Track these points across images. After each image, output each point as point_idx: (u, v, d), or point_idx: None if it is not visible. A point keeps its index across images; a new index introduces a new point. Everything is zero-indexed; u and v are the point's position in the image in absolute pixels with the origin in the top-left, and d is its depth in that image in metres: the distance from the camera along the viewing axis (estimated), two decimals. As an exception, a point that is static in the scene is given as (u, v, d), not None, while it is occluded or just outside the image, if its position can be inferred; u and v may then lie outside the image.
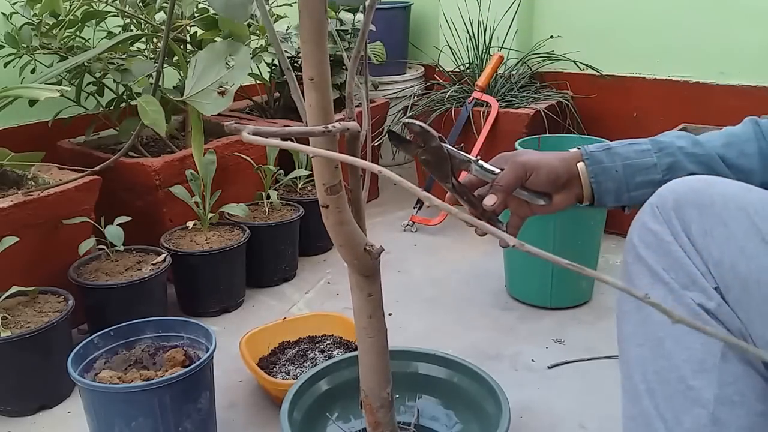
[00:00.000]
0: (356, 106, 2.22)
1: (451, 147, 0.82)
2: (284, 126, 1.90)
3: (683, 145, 0.81)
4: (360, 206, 0.77)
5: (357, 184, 0.76)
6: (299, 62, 2.03)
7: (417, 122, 0.80)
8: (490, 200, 0.81)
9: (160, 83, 1.64)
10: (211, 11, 1.61)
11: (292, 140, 1.39)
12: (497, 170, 0.82)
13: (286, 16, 1.92)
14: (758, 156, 0.80)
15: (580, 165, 0.82)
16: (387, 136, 0.80)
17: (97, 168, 1.36)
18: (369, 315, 0.79)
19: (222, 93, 0.90)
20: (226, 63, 0.91)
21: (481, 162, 0.82)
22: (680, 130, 2.15)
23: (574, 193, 0.83)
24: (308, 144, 0.66)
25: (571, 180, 0.82)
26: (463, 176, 0.85)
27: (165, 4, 1.60)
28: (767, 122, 0.82)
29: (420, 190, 0.39)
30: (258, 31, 1.74)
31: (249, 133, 0.44)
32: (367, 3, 0.67)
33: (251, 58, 1.77)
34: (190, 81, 0.93)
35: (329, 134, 0.63)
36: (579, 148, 0.84)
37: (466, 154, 0.83)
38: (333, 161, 0.68)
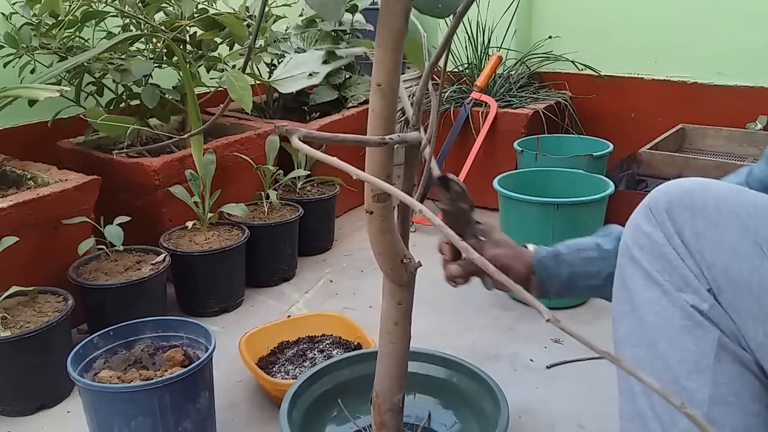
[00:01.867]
0: (351, 107, 2.20)
1: (475, 219, 0.90)
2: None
3: None
4: (407, 216, 0.77)
5: (410, 192, 0.76)
6: (298, 62, 2.03)
7: (461, 184, 0.85)
8: (455, 270, 0.91)
9: (152, 81, 1.65)
10: (212, 11, 1.61)
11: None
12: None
13: (285, 17, 1.92)
14: None
15: (533, 275, 0.92)
16: (439, 180, 0.83)
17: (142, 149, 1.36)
18: (396, 322, 0.80)
19: (311, 75, 0.92)
20: (317, 68, 0.94)
21: (481, 238, 0.92)
22: (678, 130, 2.16)
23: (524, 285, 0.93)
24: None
25: (526, 278, 0.92)
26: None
27: (165, 5, 1.60)
28: None
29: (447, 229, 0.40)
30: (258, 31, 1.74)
31: (300, 138, 0.43)
32: (457, 10, 0.65)
33: (249, 59, 1.77)
34: (279, 69, 0.95)
35: (384, 146, 0.63)
36: (533, 252, 0.93)
37: (481, 229, 0.92)
38: (387, 169, 0.67)
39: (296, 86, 0.93)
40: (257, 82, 1.73)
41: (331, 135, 0.52)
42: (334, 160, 0.46)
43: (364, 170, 0.69)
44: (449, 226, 0.85)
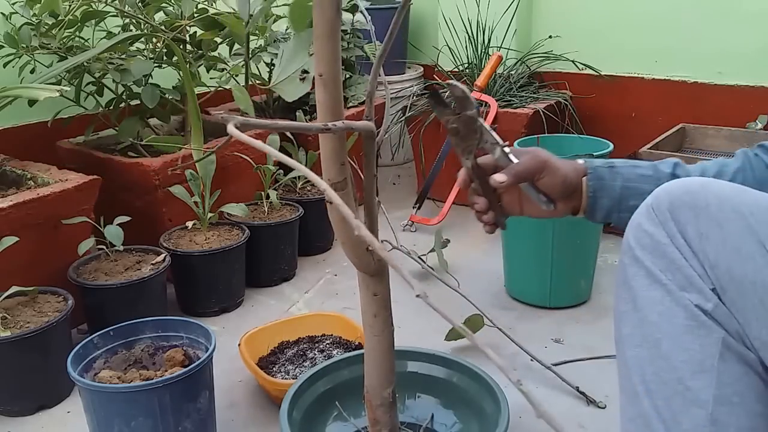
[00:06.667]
0: (351, 107, 2.21)
1: (485, 124, 0.82)
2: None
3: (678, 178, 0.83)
4: (372, 205, 0.77)
5: (371, 183, 0.76)
6: (298, 62, 2.03)
7: (461, 86, 0.79)
8: (500, 177, 0.82)
9: (152, 81, 1.65)
10: (212, 11, 1.61)
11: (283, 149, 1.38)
12: (515, 161, 0.83)
13: (285, 16, 1.92)
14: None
15: (584, 179, 0.85)
16: (428, 95, 0.79)
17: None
18: (374, 314, 0.80)
19: (303, 79, 0.92)
20: (309, 52, 0.93)
21: (507, 149, 0.83)
22: (678, 129, 2.16)
23: (572, 205, 0.86)
24: (316, 141, 0.65)
25: (575, 192, 0.85)
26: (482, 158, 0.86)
27: (165, 5, 1.60)
28: (754, 152, 0.85)
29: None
30: (257, 31, 1.74)
31: (236, 125, 0.42)
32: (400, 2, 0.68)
33: (251, 58, 1.77)
34: (277, 69, 0.95)
35: (328, 132, 0.63)
36: (584, 161, 0.86)
37: (497, 137, 0.83)
38: (340, 157, 0.68)
39: (298, 93, 0.94)
40: (256, 83, 1.72)
41: (270, 122, 0.53)
42: (269, 149, 0.47)
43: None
44: (457, 143, 0.81)
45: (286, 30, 1.95)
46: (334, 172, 0.68)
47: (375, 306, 0.79)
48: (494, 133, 0.82)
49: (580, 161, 0.86)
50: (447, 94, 0.83)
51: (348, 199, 0.70)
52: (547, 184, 0.83)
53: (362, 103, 2.08)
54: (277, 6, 1.87)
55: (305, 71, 0.92)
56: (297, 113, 1.95)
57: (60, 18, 1.48)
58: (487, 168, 0.84)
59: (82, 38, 1.61)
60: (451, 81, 0.80)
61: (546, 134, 2.08)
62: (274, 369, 1.28)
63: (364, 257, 0.75)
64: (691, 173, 0.84)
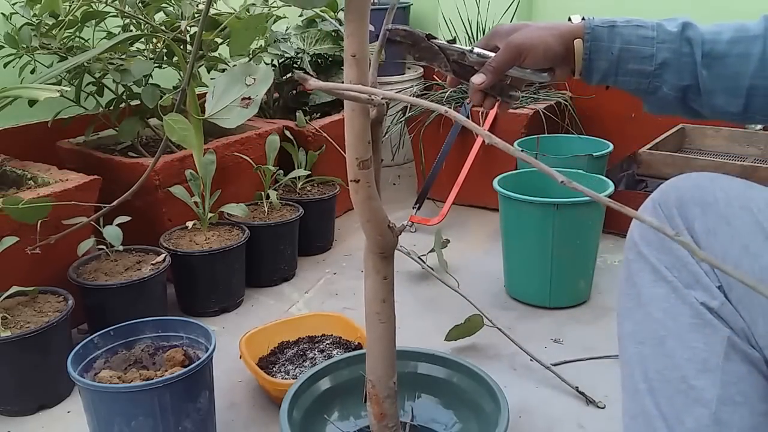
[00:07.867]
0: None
1: (442, 42, 0.85)
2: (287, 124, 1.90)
3: (688, 41, 0.79)
4: (378, 186, 0.80)
5: (378, 164, 0.79)
6: (299, 62, 2.04)
7: (400, 26, 0.83)
8: (477, 78, 0.82)
9: (152, 81, 1.65)
10: (212, 11, 1.61)
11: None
12: (492, 54, 0.84)
13: (285, 17, 1.92)
14: (759, 56, 0.77)
15: (577, 42, 0.81)
16: (384, 45, 0.82)
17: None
18: (383, 299, 0.81)
19: (247, 104, 0.92)
20: (246, 83, 0.93)
21: (476, 50, 0.84)
22: (677, 130, 2.16)
23: (570, 67, 0.84)
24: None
25: (567, 55, 0.82)
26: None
27: (165, 5, 1.60)
28: None
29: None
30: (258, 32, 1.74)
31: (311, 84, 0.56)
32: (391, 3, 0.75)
33: (250, 59, 1.77)
34: (210, 103, 0.95)
35: (371, 103, 0.70)
36: (584, 19, 0.82)
37: (459, 47, 0.85)
38: (366, 136, 0.71)
39: (238, 120, 0.94)
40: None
41: (335, 87, 0.61)
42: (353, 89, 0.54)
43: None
44: (435, 66, 0.86)
45: (286, 30, 1.95)
46: (362, 150, 0.72)
47: (384, 291, 0.81)
48: (455, 45, 0.85)
49: (577, 19, 0.83)
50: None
51: (371, 176, 0.74)
52: (531, 63, 0.82)
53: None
54: (277, 7, 1.87)
55: (246, 98, 0.92)
56: (297, 113, 1.95)
57: (60, 18, 1.48)
58: (469, 70, 0.85)
59: (83, 38, 1.61)
60: (390, 26, 0.82)
61: (546, 134, 2.08)
62: (274, 369, 1.28)
63: (387, 234, 0.78)
64: (704, 34, 0.78)
